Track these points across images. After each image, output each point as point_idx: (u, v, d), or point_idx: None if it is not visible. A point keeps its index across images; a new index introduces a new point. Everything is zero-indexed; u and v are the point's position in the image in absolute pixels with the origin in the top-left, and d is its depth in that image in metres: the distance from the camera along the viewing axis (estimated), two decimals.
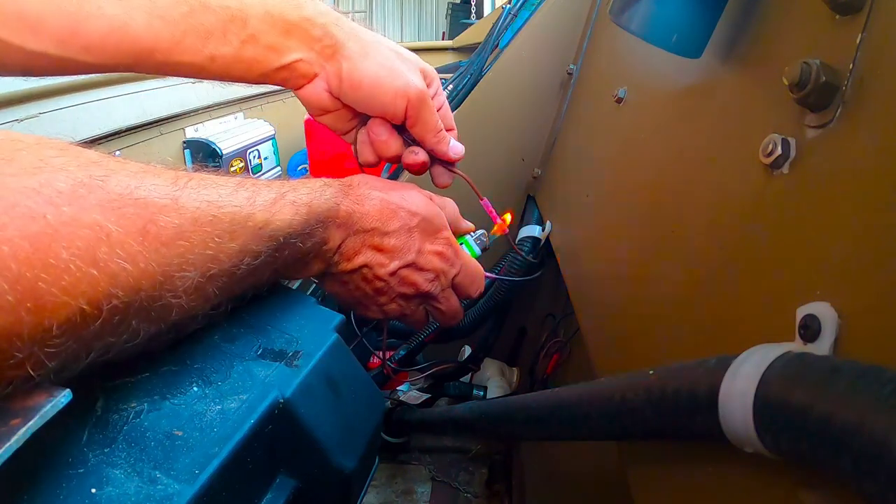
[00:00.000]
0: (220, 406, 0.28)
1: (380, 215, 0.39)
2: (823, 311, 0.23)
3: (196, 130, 1.73)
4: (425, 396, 0.86)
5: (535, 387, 0.82)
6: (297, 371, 0.31)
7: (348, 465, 0.33)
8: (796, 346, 0.24)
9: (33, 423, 0.19)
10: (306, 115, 0.44)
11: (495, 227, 0.52)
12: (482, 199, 0.50)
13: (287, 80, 0.41)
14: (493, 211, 0.51)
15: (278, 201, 0.32)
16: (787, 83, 0.27)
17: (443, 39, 3.70)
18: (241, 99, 1.94)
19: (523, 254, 0.77)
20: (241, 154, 1.80)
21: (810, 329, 0.23)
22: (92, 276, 0.21)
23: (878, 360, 0.19)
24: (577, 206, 0.69)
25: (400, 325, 0.90)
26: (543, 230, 0.79)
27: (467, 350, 0.99)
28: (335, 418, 0.33)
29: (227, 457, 0.25)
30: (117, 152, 1.28)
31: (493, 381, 0.93)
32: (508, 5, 0.98)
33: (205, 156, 1.68)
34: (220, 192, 0.29)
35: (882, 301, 0.21)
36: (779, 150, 0.29)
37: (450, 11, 4.82)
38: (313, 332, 0.35)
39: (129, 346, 0.25)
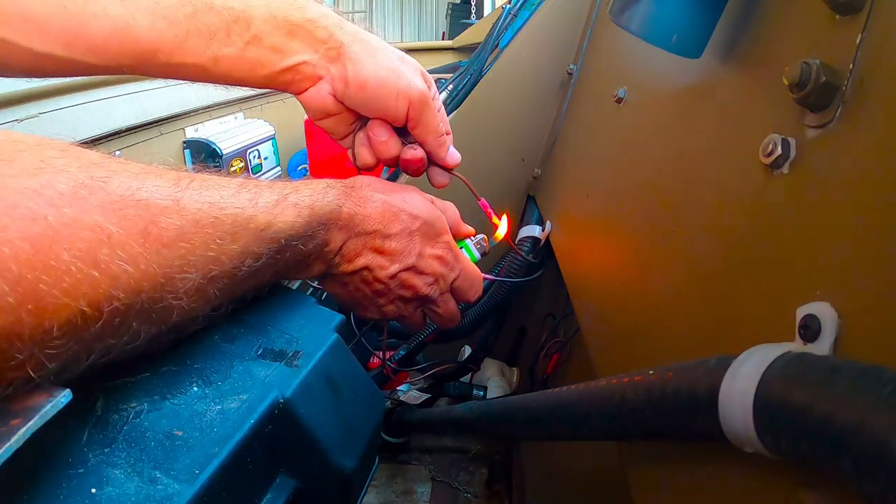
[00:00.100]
0: (220, 406, 0.28)
1: (382, 218, 0.39)
2: (823, 311, 0.23)
3: (196, 130, 1.73)
4: (425, 396, 0.86)
5: (535, 387, 0.82)
6: (297, 371, 0.31)
7: (348, 465, 0.33)
8: (796, 346, 0.24)
9: (33, 424, 0.19)
10: (306, 116, 0.44)
11: (496, 233, 0.52)
12: (480, 200, 0.50)
13: (291, 82, 0.41)
14: (492, 212, 0.51)
15: (280, 203, 0.32)
16: (787, 83, 0.27)
17: (443, 39, 3.70)
18: (241, 99, 1.94)
19: (523, 254, 0.77)
20: (241, 154, 1.80)
21: (810, 329, 0.23)
22: (93, 278, 0.21)
23: (878, 360, 0.19)
24: (577, 206, 0.69)
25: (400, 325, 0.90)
26: (543, 230, 0.79)
27: (467, 350, 0.99)
28: (335, 418, 0.33)
29: (227, 457, 0.25)
30: (117, 152, 1.28)
31: (493, 381, 0.93)
32: (508, 5, 0.98)
33: (205, 156, 1.68)
34: (221, 194, 0.29)
35: (882, 301, 0.21)
36: (779, 150, 0.29)
37: (450, 11, 4.82)
38: (313, 332, 0.35)
39: (129, 348, 0.25)
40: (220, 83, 0.39)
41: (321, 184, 0.38)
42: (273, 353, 0.32)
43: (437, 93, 0.46)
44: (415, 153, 0.44)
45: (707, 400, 0.23)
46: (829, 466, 0.17)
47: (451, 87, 0.92)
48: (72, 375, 0.22)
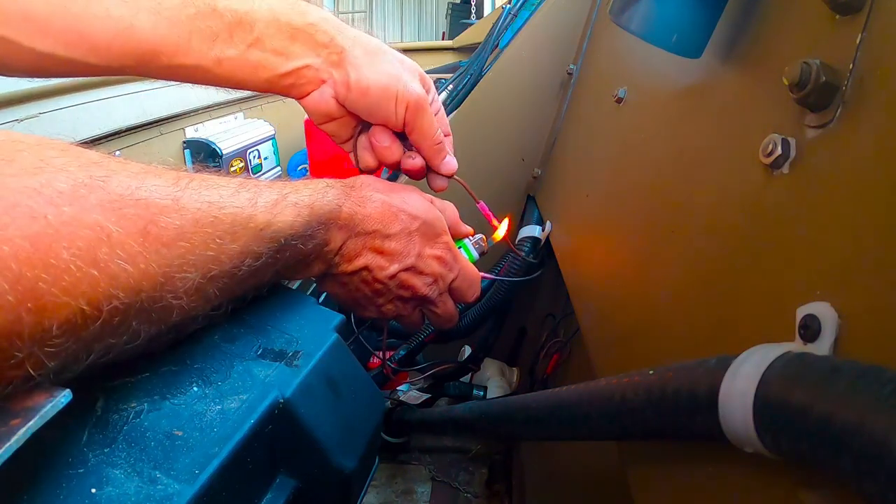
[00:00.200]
0: (220, 406, 0.28)
1: (381, 218, 0.39)
2: (823, 311, 0.23)
3: (196, 130, 1.73)
4: (425, 396, 0.86)
5: (535, 387, 0.82)
6: (297, 371, 0.31)
7: (348, 465, 0.33)
8: (796, 346, 0.24)
9: (33, 424, 0.19)
10: (306, 116, 0.44)
11: (495, 233, 0.52)
12: (478, 203, 0.50)
13: (292, 86, 0.41)
14: (491, 214, 0.51)
15: (280, 202, 0.32)
16: (787, 83, 0.27)
17: (443, 39, 3.69)
18: (241, 99, 1.94)
19: (523, 254, 0.77)
20: (241, 154, 1.80)
21: (810, 329, 0.23)
22: (92, 277, 0.21)
23: (878, 360, 0.19)
24: (577, 206, 0.69)
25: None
26: (543, 230, 0.79)
27: (467, 350, 0.99)
28: (335, 418, 0.33)
29: (227, 457, 0.25)
30: (117, 152, 1.28)
31: (493, 381, 0.93)
32: (508, 5, 0.98)
33: (205, 156, 1.68)
34: (221, 193, 0.29)
35: (882, 301, 0.21)
36: (779, 150, 0.29)
37: (450, 11, 4.82)
38: (313, 332, 0.35)
39: (129, 347, 0.25)
40: (222, 86, 0.39)
41: (321, 183, 0.38)
42: (273, 353, 0.32)
43: (437, 96, 0.46)
44: (414, 162, 0.44)
45: (707, 400, 0.23)
46: (829, 466, 0.17)
47: (451, 87, 0.92)
48: (72, 375, 0.22)
